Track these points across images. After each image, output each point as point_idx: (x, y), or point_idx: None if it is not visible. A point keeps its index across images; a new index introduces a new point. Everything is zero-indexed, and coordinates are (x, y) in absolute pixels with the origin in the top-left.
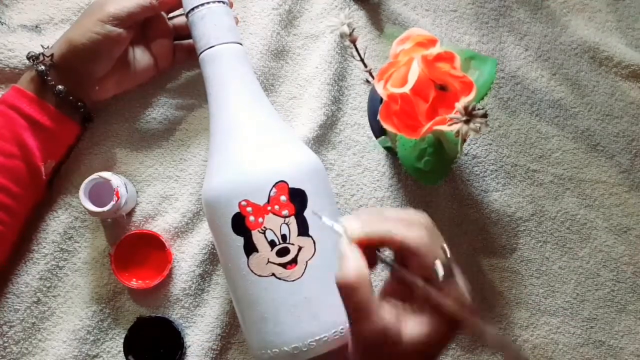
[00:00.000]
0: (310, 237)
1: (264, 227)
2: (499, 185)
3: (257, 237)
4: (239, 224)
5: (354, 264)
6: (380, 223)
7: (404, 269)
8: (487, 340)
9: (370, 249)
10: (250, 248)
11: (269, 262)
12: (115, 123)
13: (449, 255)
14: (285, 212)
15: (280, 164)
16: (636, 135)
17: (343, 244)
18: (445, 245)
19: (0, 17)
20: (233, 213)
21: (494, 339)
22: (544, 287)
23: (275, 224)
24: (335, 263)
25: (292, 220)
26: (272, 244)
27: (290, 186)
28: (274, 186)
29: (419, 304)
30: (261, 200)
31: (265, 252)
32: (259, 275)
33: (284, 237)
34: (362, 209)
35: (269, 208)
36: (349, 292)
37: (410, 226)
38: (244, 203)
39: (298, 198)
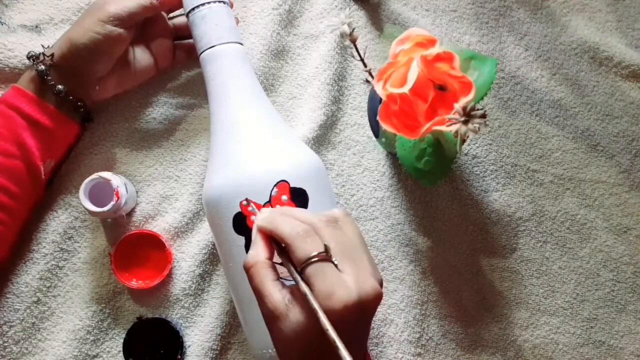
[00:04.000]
0: None
1: None
2: (499, 185)
3: None
4: (240, 223)
5: (253, 251)
6: (277, 216)
7: (286, 261)
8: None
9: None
10: None
11: None
12: (115, 123)
13: (329, 252)
14: None
15: (281, 163)
16: (636, 135)
17: (252, 232)
18: (330, 245)
19: (0, 17)
20: (234, 212)
21: (332, 341)
22: (544, 287)
23: None
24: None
25: None
26: None
27: (292, 185)
28: (275, 185)
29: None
30: (262, 200)
31: None
32: None
33: None
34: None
35: (270, 207)
36: (248, 276)
37: (295, 222)
38: (245, 202)
39: (299, 197)
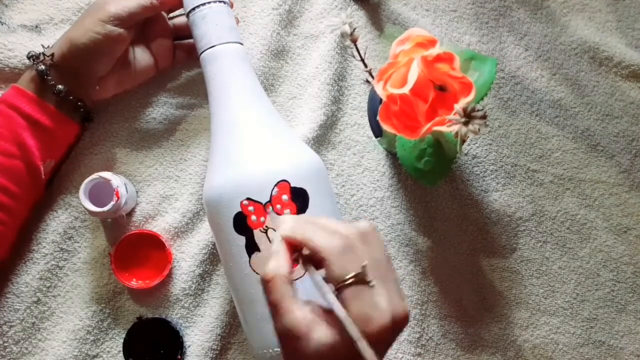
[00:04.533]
0: None
1: (266, 226)
2: (499, 185)
3: (259, 236)
4: (241, 223)
5: (274, 263)
6: (307, 226)
7: (317, 275)
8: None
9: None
10: (252, 247)
11: None
12: (115, 123)
13: (366, 273)
14: (287, 212)
15: (282, 163)
16: (636, 135)
17: (274, 242)
18: (366, 263)
19: (0, 17)
20: (235, 212)
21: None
22: (544, 287)
23: None
24: None
25: None
26: None
27: (292, 185)
28: (275, 185)
29: (333, 314)
30: (263, 200)
31: (267, 251)
32: None
33: None
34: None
35: (270, 207)
36: (266, 289)
37: (330, 235)
38: (245, 202)
39: (300, 197)
